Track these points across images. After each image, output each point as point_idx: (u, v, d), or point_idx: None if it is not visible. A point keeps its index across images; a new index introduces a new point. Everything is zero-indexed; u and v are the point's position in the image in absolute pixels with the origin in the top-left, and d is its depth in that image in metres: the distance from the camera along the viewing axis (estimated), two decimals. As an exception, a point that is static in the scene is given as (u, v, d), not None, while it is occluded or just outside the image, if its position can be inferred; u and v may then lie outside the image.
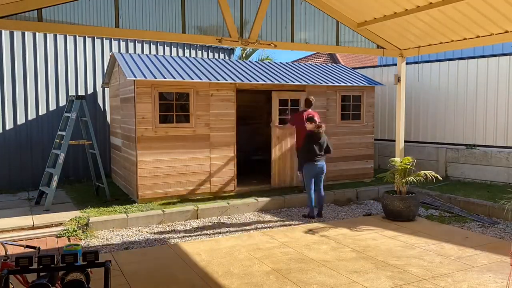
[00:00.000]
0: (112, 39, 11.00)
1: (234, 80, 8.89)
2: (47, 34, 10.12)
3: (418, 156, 10.46)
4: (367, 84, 10.52)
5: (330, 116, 10.11)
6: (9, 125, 9.86)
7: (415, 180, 7.65)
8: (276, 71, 10.33)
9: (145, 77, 8.06)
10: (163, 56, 10.17)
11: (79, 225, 6.95)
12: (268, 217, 7.96)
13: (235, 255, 5.87)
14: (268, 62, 11.85)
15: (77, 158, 10.61)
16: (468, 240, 6.51)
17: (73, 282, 3.05)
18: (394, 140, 8.98)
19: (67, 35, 10.36)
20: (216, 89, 8.79)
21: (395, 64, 9.20)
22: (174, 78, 8.30)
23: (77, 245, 3.19)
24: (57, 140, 8.71)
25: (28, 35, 9.97)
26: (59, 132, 8.70)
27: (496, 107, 9.95)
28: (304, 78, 10.01)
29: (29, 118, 10.07)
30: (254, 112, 12.51)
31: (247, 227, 7.31)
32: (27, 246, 3.95)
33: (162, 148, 8.32)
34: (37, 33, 9.98)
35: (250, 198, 8.55)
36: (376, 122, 11.68)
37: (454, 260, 5.67)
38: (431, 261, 5.64)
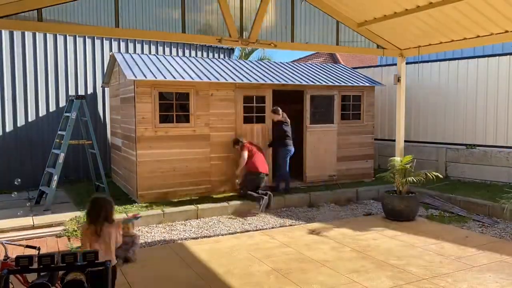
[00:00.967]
0: (112, 39, 10.99)
1: (234, 80, 8.89)
2: (47, 34, 10.11)
3: (418, 156, 10.44)
4: (367, 84, 10.52)
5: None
6: (9, 125, 9.85)
7: (415, 180, 7.65)
8: (276, 70, 10.33)
9: (145, 77, 8.06)
10: (163, 56, 10.17)
11: (79, 225, 6.94)
12: (268, 216, 7.96)
13: (235, 255, 5.87)
14: (268, 61, 11.85)
15: (77, 158, 10.60)
16: (468, 240, 6.51)
17: (73, 282, 3.05)
18: (394, 140, 8.99)
19: (67, 35, 10.36)
20: (216, 89, 8.79)
21: (395, 64, 9.20)
22: (174, 78, 8.30)
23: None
24: (57, 140, 8.71)
25: (28, 35, 9.96)
26: (59, 132, 8.70)
27: (496, 106, 9.95)
28: (304, 78, 10.01)
29: (29, 118, 10.07)
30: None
31: (247, 227, 7.31)
32: (27, 246, 3.96)
33: (162, 148, 8.32)
34: (37, 33, 9.97)
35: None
36: (376, 122, 11.68)
37: (454, 259, 5.67)
38: (431, 260, 5.64)
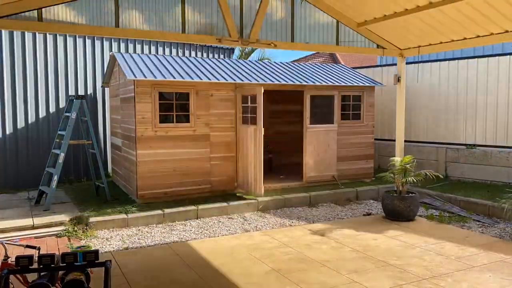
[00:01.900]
0: (112, 40, 10.99)
1: (234, 80, 8.89)
2: (47, 34, 10.11)
3: (418, 155, 10.46)
4: (367, 84, 10.52)
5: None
6: (9, 125, 9.85)
7: (415, 180, 7.65)
8: (276, 71, 10.33)
9: (145, 77, 8.06)
10: (163, 56, 10.17)
11: (79, 225, 6.95)
12: (268, 216, 7.96)
13: (235, 255, 5.87)
14: (268, 61, 11.85)
15: (77, 158, 10.60)
16: (468, 240, 6.51)
17: (73, 282, 3.06)
18: (394, 140, 8.98)
19: (67, 35, 10.35)
20: (216, 89, 8.79)
21: (395, 64, 9.20)
22: (174, 78, 8.30)
23: (89, 246, 3.21)
24: (57, 140, 8.70)
25: (28, 35, 9.96)
26: (59, 132, 8.70)
27: (496, 106, 9.95)
28: (304, 78, 10.01)
29: (29, 118, 10.07)
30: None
31: (247, 227, 7.31)
32: (27, 246, 3.95)
33: (162, 148, 8.32)
34: (37, 33, 9.97)
35: (251, 197, 8.55)
36: (376, 122, 11.68)
37: (454, 259, 5.67)
38: (431, 260, 5.64)
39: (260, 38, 6.96)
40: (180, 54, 12.02)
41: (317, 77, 10.31)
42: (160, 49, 11.76)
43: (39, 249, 3.89)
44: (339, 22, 7.72)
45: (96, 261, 2.98)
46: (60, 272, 3.38)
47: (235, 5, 6.74)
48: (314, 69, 11.25)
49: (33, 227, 6.84)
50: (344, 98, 10.31)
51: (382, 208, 8.01)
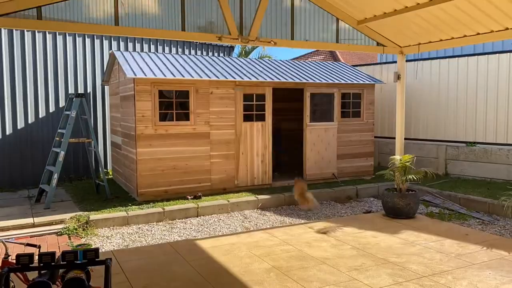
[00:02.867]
0: (112, 38, 10.98)
1: (234, 78, 8.89)
2: (47, 32, 10.10)
3: (418, 153, 10.45)
4: (367, 82, 10.51)
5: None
6: (9, 123, 9.85)
7: (415, 178, 7.65)
8: (276, 68, 10.32)
9: (145, 75, 8.05)
10: (162, 54, 10.16)
11: (79, 223, 6.95)
12: (268, 214, 7.97)
13: (235, 253, 5.87)
14: (268, 59, 11.83)
15: (77, 156, 10.61)
16: (468, 237, 6.51)
17: (73, 280, 3.06)
18: (394, 138, 8.98)
19: (67, 33, 10.34)
20: (216, 87, 8.78)
21: (395, 62, 9.19)
22: (174, 76, 8.30)
23: (89, 244, 3.21)
24: (57, 138, 8.71)
25: (28, 34, 9.95)
26: (59, 130, 8.70)
27: (496, 104, 9.94)
28: (304, 76, 10.01)
29: (29, 116, 10.06)
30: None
31: (247, 225, 7.32)
32: (28, 244, 3.96)
33: (162, 146, 8.32)
34: (36, 31, 9.96)
35: (251, 195, 8.56)
36: (376, 120, 11.68)
37: (454, 257, 5.68)
38: (431, 258, 5.65)
39: (260, 36, 6.95)
40: (180, 52, 12.00)
41: (317, 75, 10.31)
42: (160, 48, 11.74)
43: (39, 247, 3.89)
44: (339, 20, 7.71)
45: (96, 259, 2.98)
46: (61, 270, 3.39)
47: (235, 3, 6.74)
48: (314, 67, 11.24)
49: (33, 226, 6.85)
50: (344, 95, 10.31)
51: (382, 205, 8.01)
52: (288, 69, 10.48)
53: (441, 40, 7.62)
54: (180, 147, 8.48)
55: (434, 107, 11.14)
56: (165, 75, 8.23)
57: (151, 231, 6.97)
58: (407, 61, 9.14)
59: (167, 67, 8.79)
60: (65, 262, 2.96)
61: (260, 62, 10.91)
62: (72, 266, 3.01)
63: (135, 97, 8.07)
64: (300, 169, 10.12)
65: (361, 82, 10.41)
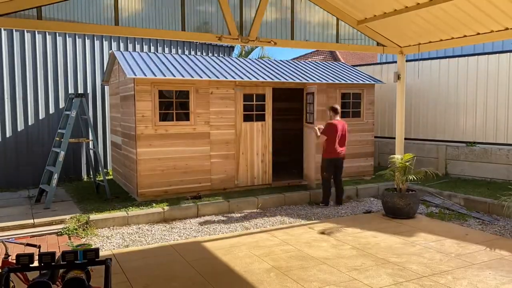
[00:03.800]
0: (112, 39, 10.98)
1: (234, 78, 8.89)
2: (47, 32, 10.10)
3: (418, 153, 10.46)
4: (367, 82, 10.51)
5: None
6: (8, 123, 9.85)
7: (415, 178, 7.65)
8: (276, 68, 10.32)
9: (145, 75, 8.05)
10: (162, 54, 10.16)
11: (79, 223, 6.95)
12: (268, 214, 7.97)
13: (235, 253, 5.87)
14: (268, 59, 11.84)
15: (77, 156, 10.61)
16: (468, 237, 6.51)
17: (73, 280, 3.06)
18: (394, 138, 8.98)
19: (67, 33, 10.34)
20: (216, 87, 8.78)
21: (395, 62, 9.19)
22: (174, 76, 8.30)
23: (89, 245, 3.20)
24: (57, 138, 8.71)
25: (28, 34, 9.95)
26: (59, 130, 8.71)
27: (496, 104, 9.94)
28: (304, 76, 10.01)
29: (29, 116, 10.06)
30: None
31: (247, 225, 7.32)
32: (28, 244, 3.96)
33: (162, 146, 8.32)
34: (36, 31, 9.96)
35: (251, 195, 8.56)
36: (376, 120, 11.68)
37: (454, 257, 5.68)
38: (431, 258, 5.65)
39: (260, 36, 6.95)
40: (180, 52, 12.00)
41: (317, 75, 10.31)
42: (160, 48, 11.75)
43: (39, 247, 3.89)
44: (339, 20, 7.71)
45: (96, 259, 2.98)
46: (61, 270, 3.39)
47: (235, 3, 6.74)
48: (314, 67, 11.25)
49: (33, 226, 6.85)
50: (344, 95, 10.31)
51: (382, 205, 8.02)
52: (288, 69, 10.48)
53: (441, 40, 7.62)
54: (180, 147, 8.48)
55: (434, 107, 11.14)
56: (165, 75, 8.23)
57: (151, 231, 6.97)
58: (407, 61, 9.14)
59: (167, 67, 8.79)
60: (65, 262, 2.96)
61: (260, 62, 10.91)
62: (72, 266, 3.01)
63: (135, 97, 8.07)
64: (300, 169, 10.12)
65: (361, 82, 10.41)
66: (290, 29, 7.28)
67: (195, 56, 10.31)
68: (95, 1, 5.88)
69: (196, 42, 12.02)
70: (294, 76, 9.88)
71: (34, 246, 3.92)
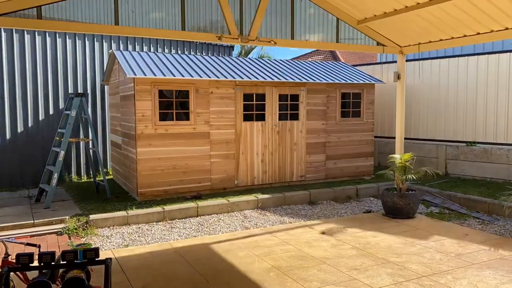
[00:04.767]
0: (112, 39, 10.97)
1: (233, 78, 8.89)
2: (47, 32, 10.10)
3: (418, 153, 10.46)
4: (367, 81, 10.51)
5: (330, 113, 10.11)
6: (8, 123, 9.84)
7: (415, 177, 7.65)
8: (276, 68, 10.32)
9: (145, 75, 8.05)
10: (162, 53, 10.15)
11: (79, 222, 6.95)
12: (268, 214, 7.97)
13: (235, 252, 5.87)
14: (268, 59, 11.83)
15: (77, 155, 10.61)
16: (468, 237, 6.52)
17: (73, 280, 3.06)
18: (394, 138, 8.98)
19: (67, 33, 10.34)
20: (216, 87, 8.78)
21: (395, 61, 9.19)
22: (174, 76, 8.30)
23: (89, 244, 3.20)
24: (57, 138, 8.71)
25: (28, 33, 9.94)
26: (59, 130, 8.71)
27: (496, 104, 9.95)
28: (304, 76, 10.00)
29: (29, 116, 10.06)
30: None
31: (247, 224, 7.32)
32: (28, 244, 3.96)
33: (162, 145, 8.32)
34: (36, 31, 9.95)
35: (251, 195, 8.56)
36: (376, 119, 11.68)
37: (454, 257, 5.68)
38: (431, 258, 5.65)
39: (260, 36, 6.96)
40: (180, 52, 12.00)
41: (317, 75, 10.31)
42: (160, 48, 11.74)
43: (39, 247, 3.90)
44: (339, 20, 7.72)
45: (96, 259, 2.98)
46: (61, 270, 3.39)
47: (235, 2, 6.74)
48: (314, 66, 11.24)
49: (33, 225, 6.85)
50: (344, 95, 10.31)
51: (382, 205, 8.02)
52: (288, 69, 10.48)
53: (441, 40, 7.63)
54: (180, 146, 8.48)
55: (434, 107, 11.14)
56: (165, 75, 8.23)
57: (151, 230, 6.97)
58: (407, 61, 9.15)
59: (167, 67, 8.79)
60: (65, 262, 2.96)
61: (260, 62, 10.91)
62: (72, 265, 3.02)
63: (135, 96, 8.07)
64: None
65: (361, 81, 10.41)
66: (290, 29, 7.28)
67: (195, 56, 10.31)
68: (95, 1, 5.88)
69: (196, 42, 12.02)
70: (294, 76, 9.88)
71: (34, 245, 3.93)
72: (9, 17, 5.42)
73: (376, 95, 11.12)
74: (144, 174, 8.21)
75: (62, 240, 6.38)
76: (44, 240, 6.32)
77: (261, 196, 8.51)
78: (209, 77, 8.65)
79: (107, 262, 2.99)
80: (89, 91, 10.79)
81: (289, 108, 9.64)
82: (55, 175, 8.03)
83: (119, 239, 6.54)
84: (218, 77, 8.72)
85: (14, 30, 9.73)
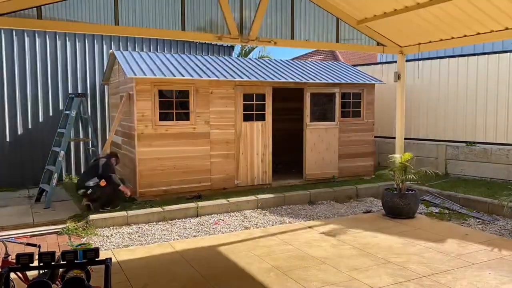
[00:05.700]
0: (112, 39, 10.96)
1: (233, 78, 8.89)
2: (47, 32, 10.09)
3: (418, 153, 10.45)
4: (367, 82, 10.51)
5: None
6: (9, 122, 9.85)
7: (415, 177, 7.65)
8: (277, 68, 10.32)
9: (145, 75, 8.05)
10: (162, 53, 10.16)
11: (79, 222, 6.95)
12: (268, 214, 7.97)
13: (235, 252, 5.87)
14: (269, 59, 11.84)
15: (77, 155, 10.60)
16: (468, 237, 6.51)
17: (73, 280, 3.06)
18: (394, 138, 8.98)
19: (67, 33, 10.33)
20: (216, 87, 8.78)
21: (395, 61, 9.19)
22: (174, 76, 8.30)
23: (89, 244, 3.21)
24: (57, 138, 8.71)
25: (28, 33, 9.94)
26: (59, 130, 8.71)
27: (496, 104, 9.94)
28: (304, 76, 10.00)
29: (29, 116, 10.06)
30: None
31: (247, 224, 7.32)
32: (28, 244, 3.96)
33: (162, 145, 8.32)
34: (36, 31, 9.95)
35: (251, 195, 8.55)
36: (376, 119, 11.67)
37: (454, 257, 5.68)
38: (431, 258, 5.65)
39: (260, 36, 6.96)
40: (180, 52, 11.99)
41: (317, 75, 10.30)
42: (160, 48, 11.73)
43: (39, 247, 3.90)
44: (339, 20, 7.71)
45: (96, 259, 2.98)
46: (61, 270, 3.40)
47: (235, 2, 6.74)
48: (314, 66, 11.24)
49: (33, 225, 6.85)
50: (344, 95, 10.31)
51: (382, 205, 8.02)
52: (288, 69, 10.48)
53: (441, 40, 7.62)
54: (180, 146, 8.47)
55: (434, 107, 11.14)
56: (165, 75, 8.23)
57: (151, 230, 6.97)
58: (407, 61, 9.14)
59: (167, 67, 8.79)
60: (65, 262, 2.96)
61: (260, 62, 10.91)
62: (72, 265, 3.02)
63: (135, 96, 8.07)
64: (300, 169, 10.12)
65: (361, 81, 10.41)
66: (290, 29, 7.28)
67: (195, 56, 10.31)
68: (95, 1, 5.88)
69: (196, 42, 12.01)
70: (294, 76, 9.88)
71: (34, 245, 3.93)
72: (9, 17, 5.41)
73: (376, 95, 11.11)
74: (144, 174, 8.20)
75: (62, 240, 6.38)
76: (44, 240, 6.32)
77: (261, 196, 8.51)
78: (209, 77, 8.65)
79: (107, 262, 2.99)
80: (89, 91, 10.79)
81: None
82: (55, 175, 8.03)
83: (119, 239, 6.54)
84: (218, 77, 8.72)
85: (14, 30, 9.73)
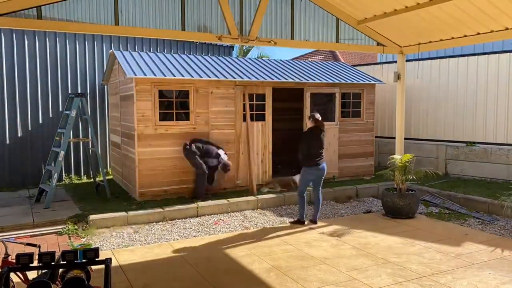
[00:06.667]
0: (112, 39, 10.96)
1: (233, 78, 8.89)
2: (47, 32, 10.09)
3: (418, 153, 10.45)
4: (367, 82, 10.51)
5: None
6: (9, 122, 9.84)
7: (415, 177, 7.65)
8: (276, 68, 10.32)
9: (145, 75, 8.05)
10: (162, 53, 10.16)
11: (79, 222, 6.95)
12: (268, 214, 7.97)
13: (235, 253, 5.87)
14: (268, 59, 11.84)
15: (77, 155, 10.60)
16: (467, 237, 6.52)
17: (73, 280, 3.06)
18: (394, 138, 8.98)
19: (66, 33, 10.33)
20: (216, 87, 8.78)
21: (395, 61, 9.19)
22: (174, 76, 8.30)
23: (89, 244, 3.21)
24: (57, 138, 8.71)
25: (28, 33, 9.94)
26: (59, 130, 8.70)
27: (496, 104, 9.94)
28: (304, 76, 10.00)
29: (29, 116, 10.05)
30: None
31: (247, 224, 7.32)
32: (28, 244, 3.96)
33: (162, 145, 8.32)
34: (36, 31, 9.95)
35: (251, 195, 8.55)
36: (376, 120, 11.68)
37: (453, 257, 5.68)
38: (431, 258, 5.65)
39: (260, 36, 6.96)
40: (180, 52, 11.99)
41: (317, 75, 10.31)
42: (160, 48, 11.73)
43: (39, 247, 3.89)
44: (339, 20, 7.72)
45: (96, 259, 2.98)
46: (61, 270, 3.39)
47: (235, 3, 6.74)
48: (314, 66, 11.24)
49: (33, 225, 6.85)
50: (344, 95, 10.31)
51: (382, 205, 8.02)
52: (288, 69, 10.48)
53: (441, 40, 7.63)
54: (180, 146, 8.47)
55: (434, 107, 11.14)
56: (165, 75, 8.23)
57: (151, 230, 6.97)
58: (407, 61, 9.14)
59: (167, 67, 8.79)
60: (65, 262, 2.96)
61: (260, 62, 10.91)
62: (72, 265, 3.01)
63: (135, 96, 8.06)
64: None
65: (361, 82, 10.41)
66: (290, 29, 7.28)
67: (195, 56, 10.31)
68: (95, 1, 5.88)
69: (196, 42, 12.02)
70: (294, 76, 9.88)
71: (34, 245, 3.92)
72: (9, 17, 5.41)
73: (376, 95, 11.12)
74: (144, 174, 8.20)
75: (62, 240, 6.38)
76: (44, 240, 6.32)
77: (261, 196, 8.51)
78: (209, 77, 8.65)
79: (107, 262, 2.99)
80: (89, 91, 10.79)
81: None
82: (55, 175, 8.03)
83: (119, 239, 6.54)
84: (218, 77, 8.72)
85: (14, 30, 9.72)
